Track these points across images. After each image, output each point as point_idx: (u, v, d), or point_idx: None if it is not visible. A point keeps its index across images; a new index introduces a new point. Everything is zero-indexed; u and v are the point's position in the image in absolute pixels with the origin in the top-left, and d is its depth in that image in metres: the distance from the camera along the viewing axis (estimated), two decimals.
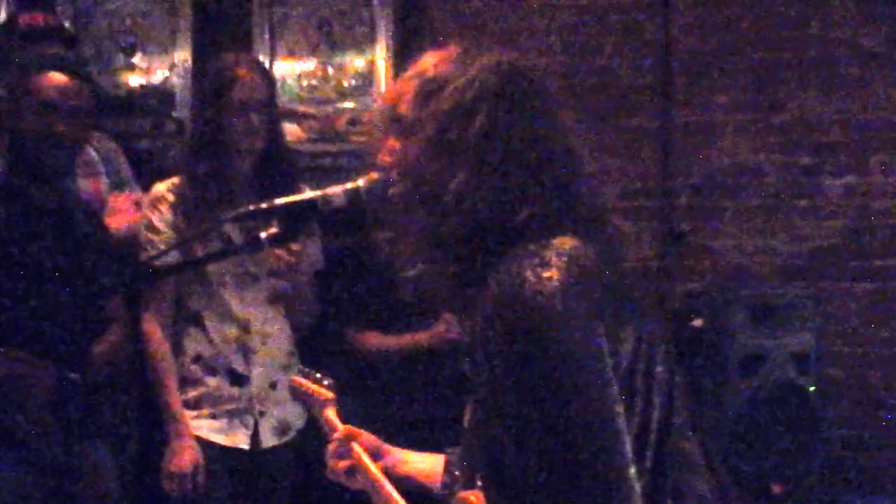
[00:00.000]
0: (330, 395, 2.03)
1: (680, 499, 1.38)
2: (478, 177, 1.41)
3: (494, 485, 1.40)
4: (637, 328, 1.38)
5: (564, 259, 1.34)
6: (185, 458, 2.88)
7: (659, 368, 1.39)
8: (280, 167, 2.99)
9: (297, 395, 2.13)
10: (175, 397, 2.92)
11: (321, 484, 2.02)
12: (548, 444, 1.29)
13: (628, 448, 1.31)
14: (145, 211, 2.99)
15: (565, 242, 1.37)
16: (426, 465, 1.85)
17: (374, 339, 3.41)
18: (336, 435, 1.91)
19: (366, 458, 1.84)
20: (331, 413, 2.00)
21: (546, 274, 1.33)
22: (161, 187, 2.99)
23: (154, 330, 2.94)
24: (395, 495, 1.76)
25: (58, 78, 2.70)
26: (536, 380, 1.29)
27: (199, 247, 2.86)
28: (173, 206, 2.94)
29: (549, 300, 1.31)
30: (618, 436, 1.30)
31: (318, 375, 2.08)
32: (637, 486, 1.30)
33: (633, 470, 1.30)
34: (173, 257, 2.82)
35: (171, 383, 2.93)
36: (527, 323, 1.31)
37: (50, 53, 3.13)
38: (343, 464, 1.87)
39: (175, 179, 2.99)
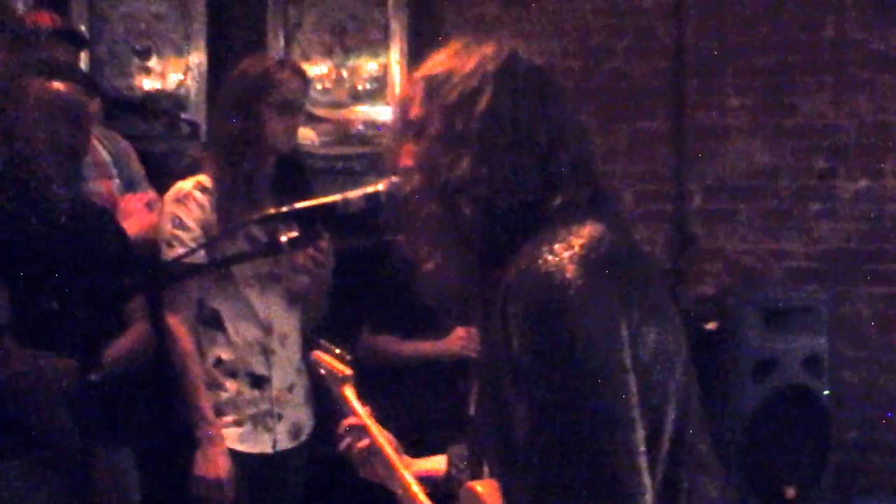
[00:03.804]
0: (348, 371, 2.02)
1: (694, 500, 1.39)
2: (486, 161, 1.43)
3: (504, 470, 1.40)
4: (660, 323, 1.38)
5: (587, 243, 1.35)
6: (220, 464, 2.83)
7: (679, 368, 1.39)
8: (295, 168, 3.01)
9: (317, 369, 2.12)
10: (206, 400, 2.86)
11: (331, 486, 2.02)
12: (558, 425, 1.29)
13: (641, 438, 1.31)
14: (171, 208, 2.94)
15: (590, 227, 1.38)
16: (430, 464, 1.85)
17: (389, 343, 3.42)
18: (356, 420, 1.91)
19: (383, 441, 1.84)
20: (348, 391, 1.99)
21: (567, 256, 1.33)
22: (187, 185, 2.96)
23: (181, 330, 2.88)
24: (410, 479, 1.76)
25: (56, 87, 2.68)
26: (552, 361, 1.30)
27: (227, 247, 2.84)
28: (201, 206, 2.92)
29: (569, 283, 1.31)
30: (630, 423, 1.30)
31: (338, 351, 2.07)
32: (647, 478, 1.30)
33: (643, 460, 1.30)
34: (199, 257, 2.80)
35: (202, 385, 2.86)
36: (546, 305, 1.32)
37: (49, 58, 3.12)
38: (361, 444, 1.87)
39: (200, 178, 2.97)
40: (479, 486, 1.44)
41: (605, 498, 1.27)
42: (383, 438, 1.85)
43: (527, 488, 1.32)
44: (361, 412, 1.92)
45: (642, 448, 1.30)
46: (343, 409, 1.97)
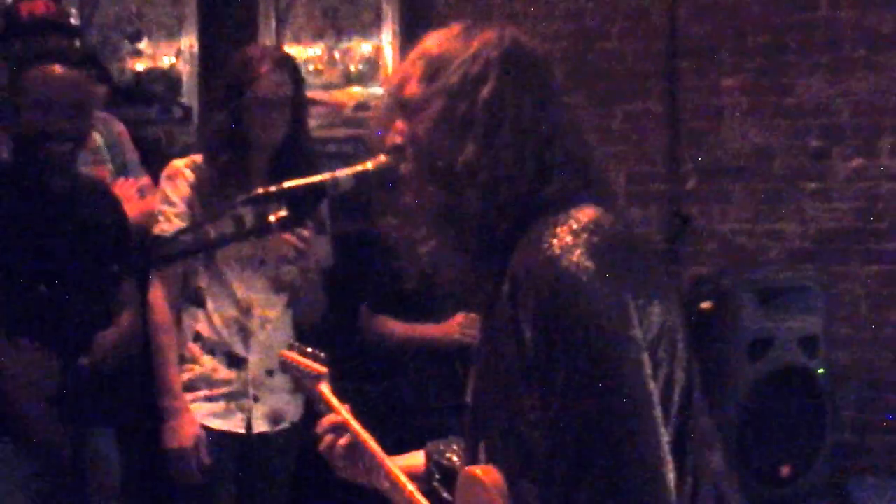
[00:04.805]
0: (323, 369, 1.97)
1: (699, 475, 1.39)
2: (489, 148, 1.42)
3: (509, 458, 1.40)
4: (662, 301, 1.38)
5: (589, 226, 1.36)
6: (185, 433, 2.88)
7: (680, 344, 1.40)
8: (299, 159, 2.95)
9: (287, 369, 2.08)
10: (174, 372, 2.91)
11: (321, 478, 1.99)
12: (582, 409, 1.30)
13: (660, 414, 1.32)
14: (163, 184, 3.00)
15: (589, 211, 1.38)
16: (407, 461, 1.80)
17: (388, 324, 3.40)
18: (335, 418, 1.86)
19: (367, 436, 1.81)
20: (325, 388, 1.94)
21: (572, 240, 1.34)
22: (179, 163, 3.00)
23: (160, 302, 2.93)
24: (397, 471, 1.73)
25: (55, 71, 2.64)
26: (571, 346, 1.30)
27: (212, 228, 2.86)
28: (190, 183, 2.95)
29: (579, 266, 1.32)
30: (651, 400, 1.31)
31: (310, 350, 2.03)
32: (669, 453, 1.31)
33: (665, 436, 1.31)
34: (186, 238, 2.81)
35: (172, 357, 2.92)
36: (560, 291, 1.32)
37: (51, 44, 3.10)
38: (343, 442, 1.83)
39: (195, 157, 3.00)
40: (478, 471, 1.44)
41: (634, 475, 1.28)
42: (366, 433, 1.81)
43: (548, 473, 1.32)
44: (341, 409, 1.87)
45: (662, 425, 1.32)
46: (320, 409, 1.93)
